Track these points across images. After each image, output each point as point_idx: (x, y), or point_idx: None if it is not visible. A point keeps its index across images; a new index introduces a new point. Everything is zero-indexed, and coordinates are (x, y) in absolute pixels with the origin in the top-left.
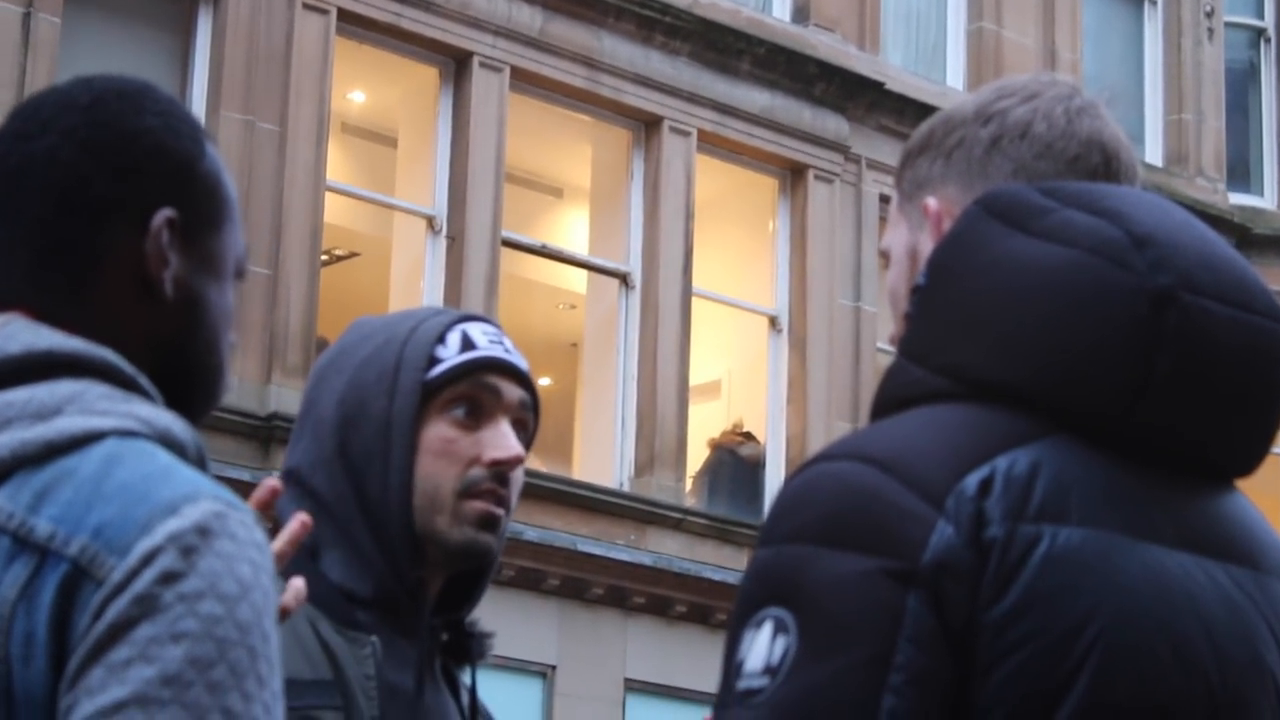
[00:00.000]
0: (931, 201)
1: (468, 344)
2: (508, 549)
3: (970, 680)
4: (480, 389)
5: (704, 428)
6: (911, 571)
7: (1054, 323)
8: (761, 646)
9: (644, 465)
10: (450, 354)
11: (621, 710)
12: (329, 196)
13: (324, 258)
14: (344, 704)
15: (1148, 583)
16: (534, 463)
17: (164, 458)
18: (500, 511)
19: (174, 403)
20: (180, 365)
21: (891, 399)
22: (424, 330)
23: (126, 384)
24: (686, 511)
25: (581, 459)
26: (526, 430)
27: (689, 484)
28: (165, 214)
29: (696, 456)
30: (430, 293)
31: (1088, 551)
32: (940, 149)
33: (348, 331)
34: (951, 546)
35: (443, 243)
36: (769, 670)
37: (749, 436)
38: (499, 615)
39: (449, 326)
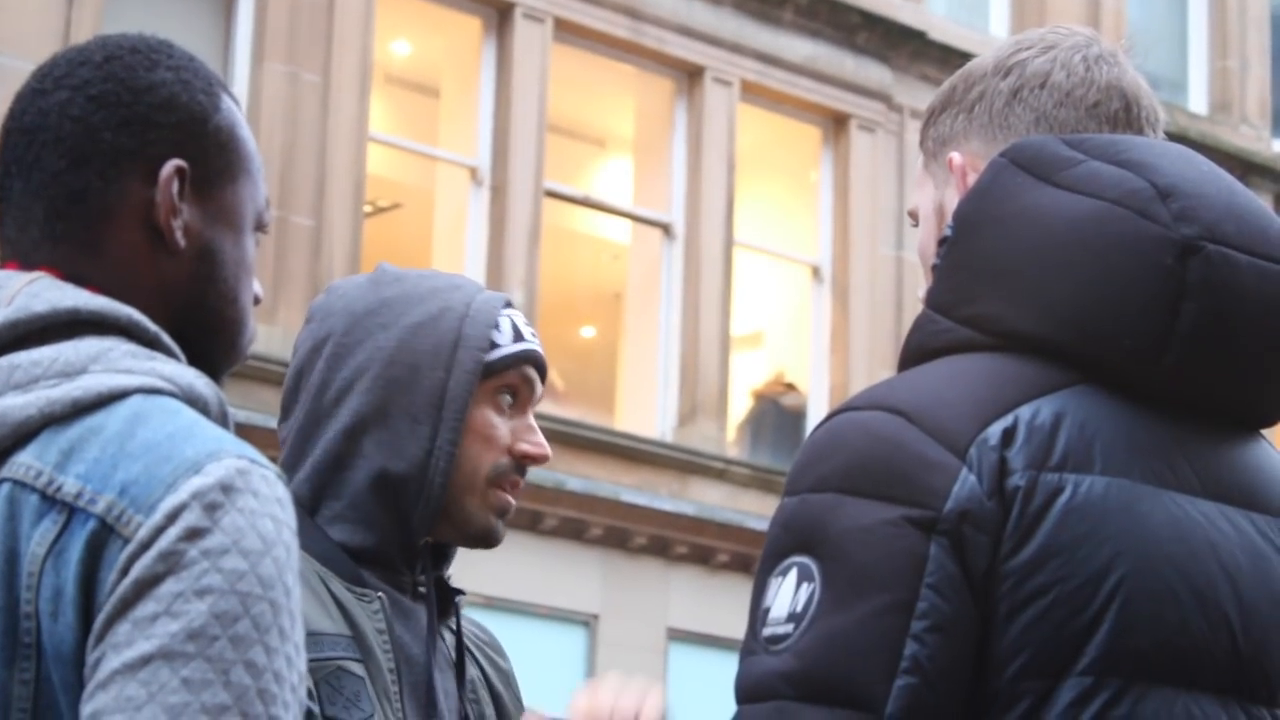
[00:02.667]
0: (956, 156)
1: (518, 334)
2: (551, 498)
3: (992, 627)
4: (523, 381)
5: (746, 378)
6: (934, 520)
7: (1079, 273)
8: (786, 594)
9: (686, 415)
10: (505, 340)
11: (664, 659)
12: (372, 148)
13: (367, 209)
14: (364, 657)
15: (1170, 531)
16: (577, 412)
17: (188, 415)
18: (514, 503)
19: (195, 357)
20: (198, 317)
21: (918, 350)
22: (480, 309)
23: (149, 341)
24: (729, 461)
25: (624, 409)
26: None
27: (731, 434)
28: (174, 163)
29: (739, 407)
30: (474, 244)
31: (1111, 500)
32: (962, 104)
33: (382, 282)
34: (974, 495)
35: (486, 194)
36: (794, 617)
37: (791, 387)
38: (542, 565)
39: (499, 310)
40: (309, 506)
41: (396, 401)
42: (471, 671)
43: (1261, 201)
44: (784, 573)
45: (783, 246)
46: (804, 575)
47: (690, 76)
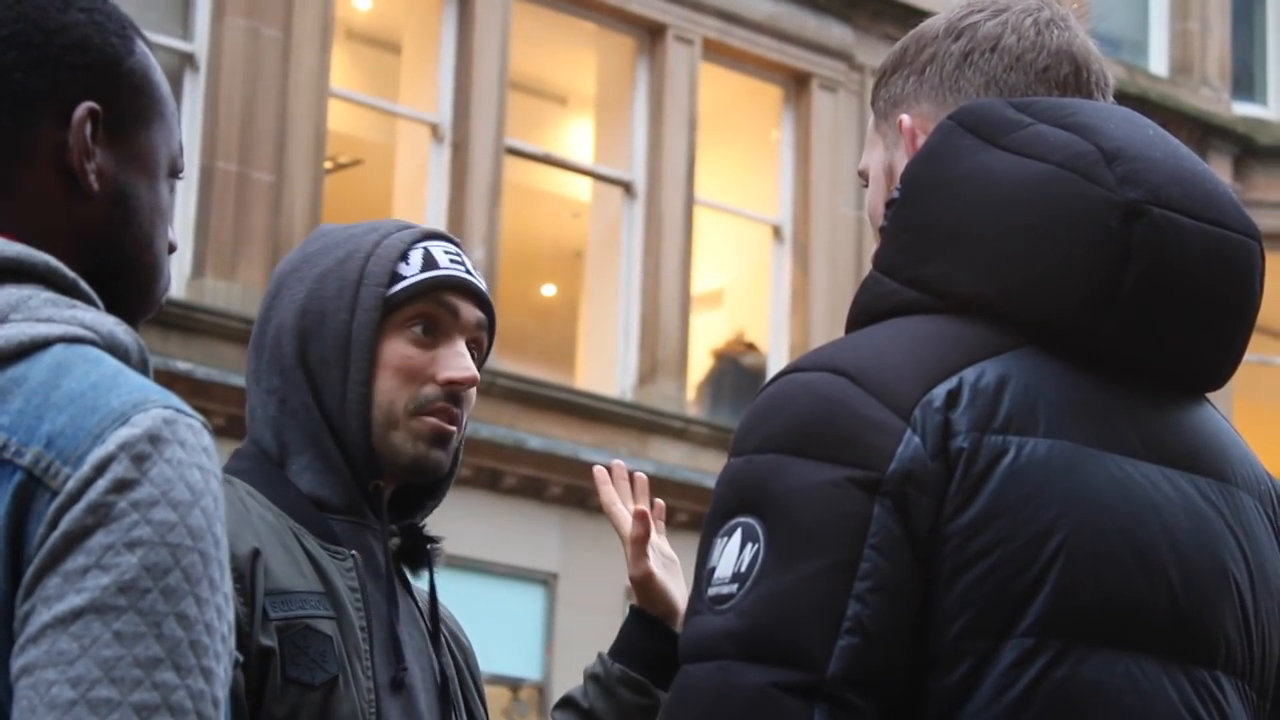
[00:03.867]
0: (905, 118)
1: (430, 262)
2: (510, 457)
3: (935, 587)
4: (439, 308)
5: (707, 337)
6: (877, 480)
7: (1024, 235)
8: (731, 554)
9: (646, 374)
10: (412, 271)
11: (622, 618)
12: (333, 104)
13: (328, 165)
14: (336, 614)
15: (1113, 492)
16: (536, 371)
17: (111, 364)
18: (452, 429)
19: (110, 304)
20: (112, 263)
21: (865, 311)
22: (387, 246)
23: (68, 289)
24: (689, 420)
25: (584, 368)
26: (481, 350)
27: (691, 393)
28: (87, 105)
29: (699, 366)
30: (434, 201)
31: (1054, 462)
32: (913, 66)
33: (310, 240)
34: (918, 456)
35: (447, 150)
36: (738, 577)
37: (751, 346)
38: (501, 524)
39: (412, 244)
40: (277, 459)
41: (311, 351)
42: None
43: (1207, 165)
44: (729, 533)
45: (744, 206)
46: (748, 535)
47: (652, 34)
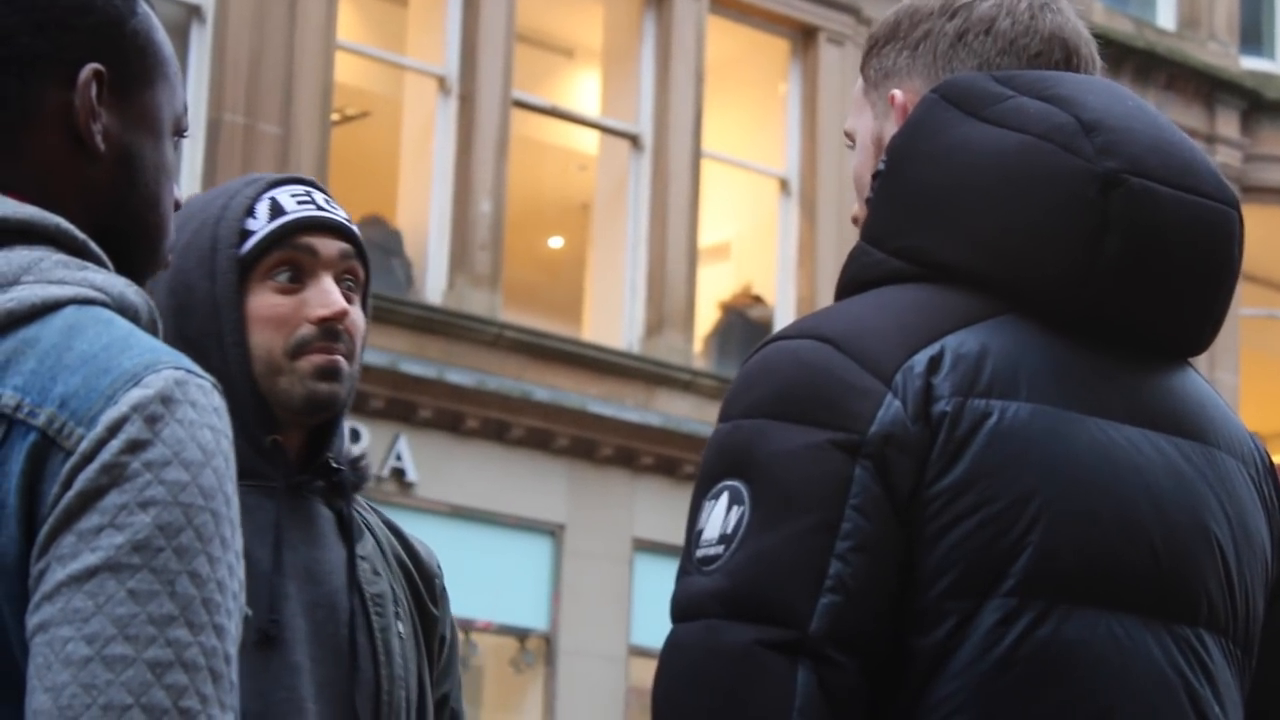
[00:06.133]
0: (898, 93)
1: (277, 210)
2: (517, 408)
3: (918, 547)
4: (295, 251)
5: (713, 290)
6: (859, 443)
7: (1005, 205)
8: (718, 516)
9: (653, 326)
10: (259, 225)
11: (629, 568)
12: (340, 56)
13: (335, 117)
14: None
15: (1094, 454)
16: (544, 323)
17: (122, 325)
18: (336, 359)
19: (117, 264)
20: (120, 223)
21: (853, 281)
22: (233, 207)
23: (78, 250)
24: (695, 373)
25: (591, 320)
26: (358, 279)
27: (698, 345)
28: (92, 67)
29: (706, 318)
30: (441, 154)
31: (1036, 425)
32: (907, 41)
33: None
34: (898, 419)
35: (454, 103)
36: (724, 539)
37: (758, 299)
38: (508, 475)
39: (256, 197)
40: None
41: (186, 325)
42: (381, 587)
43: (1185, 135)
44: (716, 496)
45: (750, 159)
46: (734, 498)
47: None
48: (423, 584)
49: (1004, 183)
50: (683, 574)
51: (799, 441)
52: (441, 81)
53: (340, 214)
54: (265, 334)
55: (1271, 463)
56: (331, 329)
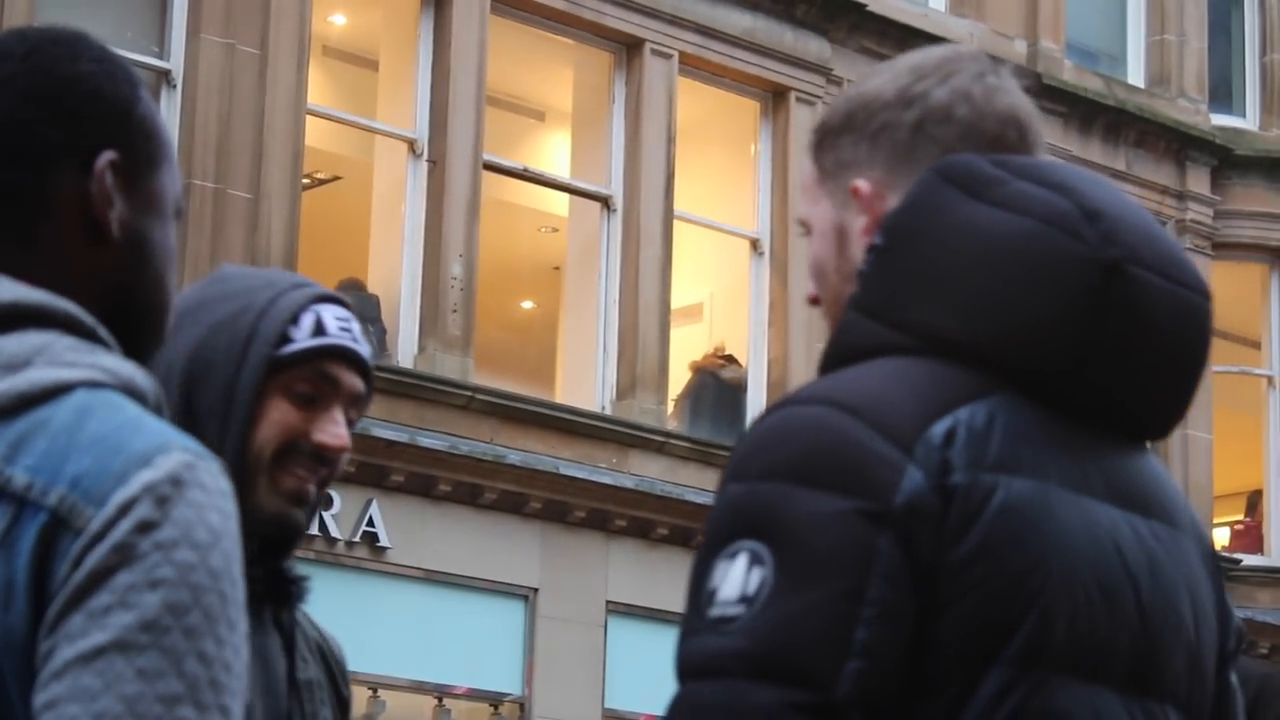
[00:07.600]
0: (863, 184)
1: (320, 329)
2: (490, 472)
3: (930, 616)
4: (322, 376)
5: (686, 351)
6: (884, 513)
7: (1008, 286)
8: (736, 577)
9: (626, 388)
10: (302, 335)
11: (603, 632)
12: (310, 120)
13: (305, 181)
14: None
15: (1085, 533)
16: (516, 386)
17: (132, 409)
18: (313, 490)
19: (123, 344)
20: (129, 306)
21: (846, 350)
22: (280, 305)
23: (88, 334)
24: (668, 435)
25: (564, 382)
26: (359, 413)
27: (671, 407)
28: (108, 156)
29: (678, 380)
30: (412, 216)
31: (1035, 502)
32: (864, 132)
33: (211, 282)
34: (920, 490)
35: (424, 166)
36: (745, 599)
37: (730, 359)
38: (481, 538)
39: (305, 307)
40: None
41: (196, 396)
42: (310, 674)
43: (1164, 229)
44: (732, 556)
45: (722, 219)
46: (755, 559)
47: (629, 49)
48: (336, 670)
49: (1008, 264)
50: (691, 633)
51: (826, 507)
52: (412, 144)
53: (365, 348)
54: (267, 435)
55: (1212, 545)
56: (325, 457)
